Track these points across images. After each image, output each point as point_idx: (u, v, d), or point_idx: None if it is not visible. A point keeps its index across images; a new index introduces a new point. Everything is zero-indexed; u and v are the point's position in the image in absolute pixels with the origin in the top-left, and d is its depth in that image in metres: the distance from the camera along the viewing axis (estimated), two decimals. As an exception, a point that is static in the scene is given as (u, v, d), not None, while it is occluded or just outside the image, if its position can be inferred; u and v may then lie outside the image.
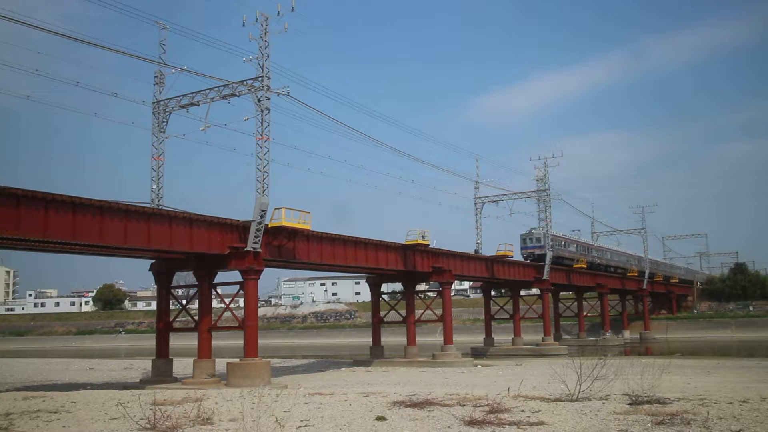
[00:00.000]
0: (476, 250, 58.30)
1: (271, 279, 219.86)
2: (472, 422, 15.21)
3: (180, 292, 45.12)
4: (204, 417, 16.62)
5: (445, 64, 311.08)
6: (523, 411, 16.89)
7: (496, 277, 58.24)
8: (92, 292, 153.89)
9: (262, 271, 32.80)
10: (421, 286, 56.10)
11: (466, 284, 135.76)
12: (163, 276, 35.09)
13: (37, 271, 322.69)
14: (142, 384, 32.85)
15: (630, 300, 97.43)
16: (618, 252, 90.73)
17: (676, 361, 42.61)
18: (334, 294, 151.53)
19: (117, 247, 29.04)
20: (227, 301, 35.22)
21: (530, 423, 15.04)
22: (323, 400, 20.48)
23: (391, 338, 68.85)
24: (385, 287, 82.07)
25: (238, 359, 32.53)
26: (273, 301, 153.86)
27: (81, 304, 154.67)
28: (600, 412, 16.25)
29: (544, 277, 63.44)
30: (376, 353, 49.51)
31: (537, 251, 65.07)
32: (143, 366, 45.38)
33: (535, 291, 79.02)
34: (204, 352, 33.20)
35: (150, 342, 42.67)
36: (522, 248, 66.22)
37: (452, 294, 59.14)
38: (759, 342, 75.64)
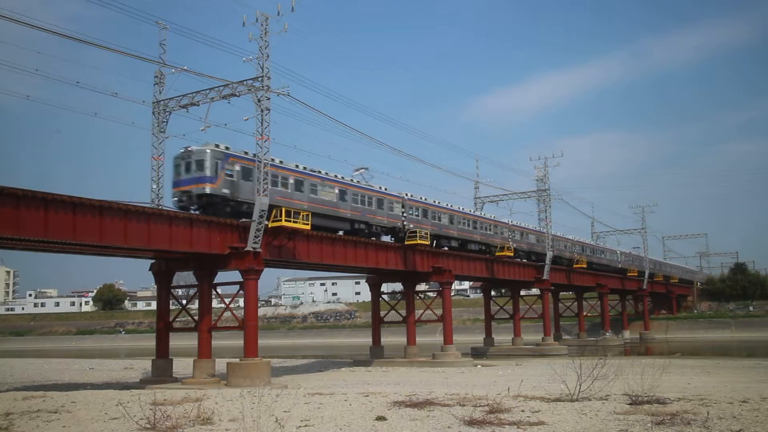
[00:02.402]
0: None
1: (271, 279, 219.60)
2: (472, 422, 15.21)
3: (180, 292, 45.13)
4: (204, 417, 16.63)
5: (445, 64, 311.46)
6: (523, 411, 16.89)
7: (496, 277, 58.22)
8: (92, 292, 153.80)
9: (262, 271, 32.81)
10: (421, 286, 56.02)
11: (466, 284, 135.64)
12: (163, 276, 35.07)
13: (37, 271, 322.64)
14: (142, 384, 32.83)
15: (630, 300, 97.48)
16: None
17: (676, 361, 42.63)
18: (334, 294, 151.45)
19: (117, 247, 29.05)
20: (227, 301, 35.22)
21: (530, 423, 15.04)
22: (323, 400, 20.47)
23: (391, 338, 68.79)
24: (385, 287, 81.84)
25: (238, 359, 32.51)
26: (273, 301, 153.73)
27: (81, 304, 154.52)
28: (600, 412, 16.25)
29: (544, 277, 63.41)
30: (376, 353, 49.49)
31: (196, 189, 31.45)
32: (143, 366, 45.36)
33: (535, 291, 78.89)
34: (204, 352, 33.22)
35: (150, 342, 42.67)
36: (174, 184, 32.52)
37: (452, 294, 59.10)
38: (759, 342, 75.61)
